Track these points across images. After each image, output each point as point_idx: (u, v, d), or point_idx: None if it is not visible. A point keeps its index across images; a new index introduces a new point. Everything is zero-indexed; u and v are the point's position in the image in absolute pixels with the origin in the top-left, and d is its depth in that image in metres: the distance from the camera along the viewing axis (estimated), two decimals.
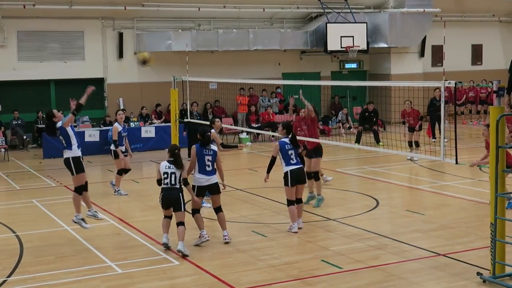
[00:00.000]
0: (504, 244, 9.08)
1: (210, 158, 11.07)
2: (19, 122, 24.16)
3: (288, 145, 11.73)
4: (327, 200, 14.10)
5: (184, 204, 10.68)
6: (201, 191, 11.14)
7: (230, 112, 27.46)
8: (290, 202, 11.74)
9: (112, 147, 15.77)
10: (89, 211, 12.02)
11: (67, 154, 11.79)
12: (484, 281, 8.98)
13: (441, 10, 29.38)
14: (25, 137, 24.12)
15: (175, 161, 10.63)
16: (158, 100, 25.40)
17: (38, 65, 24.78)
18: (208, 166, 11.03)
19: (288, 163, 11.64)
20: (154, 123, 24.77)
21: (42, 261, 10.52)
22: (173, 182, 10.61)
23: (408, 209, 13.61)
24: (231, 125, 25.30)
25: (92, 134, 22.90)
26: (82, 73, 25.33)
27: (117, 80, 25.99)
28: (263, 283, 9.23)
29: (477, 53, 33.13)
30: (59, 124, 11.80)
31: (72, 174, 11.89)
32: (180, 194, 10.66)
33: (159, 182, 10.77)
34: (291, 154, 11.68)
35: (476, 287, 8.90)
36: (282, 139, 11.95)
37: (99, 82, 25.76)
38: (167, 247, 10.66)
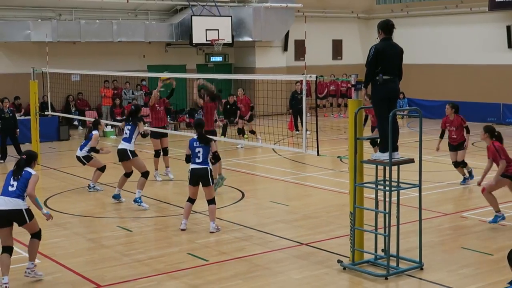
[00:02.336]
0: (362, 232, 9.47)
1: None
2: None
3: (196, 142, 11.42)
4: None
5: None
6: None
7: (94, 105, 26.86)
8: (188, 199, 11.53)
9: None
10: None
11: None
12: (344, 268, 9.33)
13: (303, 6, 30.05)
14: None
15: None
16: (16, 93, 24.40)
17: None
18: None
19: (193, 161, 11.39)
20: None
21: None
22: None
23: (272, 200, 13.87)
24: (96, 118, 24.73)
25: None
26: None
27: None
28: (128, 278, 9.14)
29: (337, 48, 34.21)
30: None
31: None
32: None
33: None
34: (198, 152, 11.37)
35: (337, 274, 9.23)
36: (193, 137, 11.69)
37: None
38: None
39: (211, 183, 11.31)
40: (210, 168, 11.34)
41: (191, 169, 11.37)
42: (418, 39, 30.09)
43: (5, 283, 8.69)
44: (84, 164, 14.97)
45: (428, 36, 30.82)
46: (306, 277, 9.15)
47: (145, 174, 13.14)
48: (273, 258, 10.01)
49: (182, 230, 11.44)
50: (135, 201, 12.91)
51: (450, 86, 29.79)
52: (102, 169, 15.02)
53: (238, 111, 21.50)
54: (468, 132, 14.71)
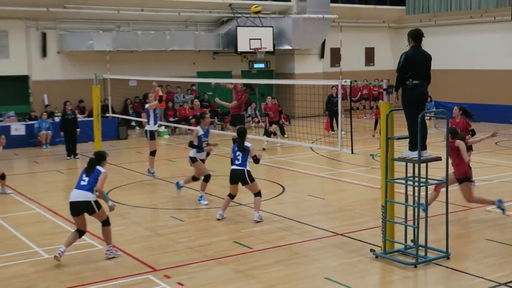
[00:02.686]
0: (393, 224, 9.41)
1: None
2: None
3: (236, 147, 11.55)
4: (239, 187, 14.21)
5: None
6: None
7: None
8: (229, 194, 11.67)
9: (149, 127, 15.52)
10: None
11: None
12: (376, 257, 9.29)
13: (338, 17, 29.92)
14: None
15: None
16: (80, 96, 24.84)
17: None
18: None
19: (233, 163, 11.54)
20: (78, 118, 24.21)
21: None
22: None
23: (310, 194, 13.84)
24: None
25: (17, 128, 22.15)
26: (6, 71, 24.48)
27: (41, 77, 25.21)
28: (181, 263, 9.23)
29: (370, 55, 33.96)
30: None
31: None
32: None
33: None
34: (238, 155, 11.45)
35: (369, 262, 9.19)
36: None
37: (23, 79, 25.11)
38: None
39: (249, 182, 11.31)
40: (247, 169, 11.35)
41: (231, 169, 11.49)
42: (445, 46, 29.67)
43: (61, 251, 9.25)
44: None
45: (454, 44, 30.40)
46: (341, 264, 9.14)
47: (206, 178, 12.90)
48: (311, 247, 10.02)
49: (218, 219, 11.54)
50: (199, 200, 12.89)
51: (474, 90, 29.33)
52: (152, 153, 15.30)
53: (267, 117, 21.48)
54: (473, 134, 13.81)
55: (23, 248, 10.20)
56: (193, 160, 12.77)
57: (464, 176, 11.08)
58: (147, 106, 15.82)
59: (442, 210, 9.49)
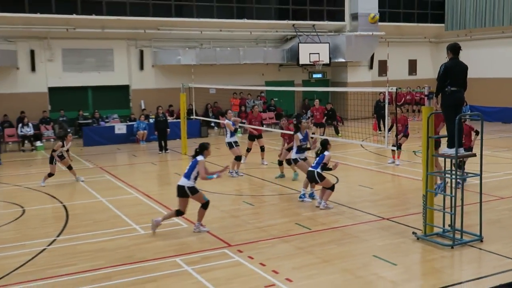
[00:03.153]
0: (432, 211, 9.21)
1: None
2: (64, 118, 24.02)
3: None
4: (299, 177, 14.21)
5: None
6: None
7: (226, 110, 27.36)
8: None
9: (229, 139, 15.12)
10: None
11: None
12: (417, 239, 9.11)
13: (385, 33, 29.44)
14: (69, 130, 23.93)
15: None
16: (170, 102, 25.34)
17: (78, 75, 24.62)
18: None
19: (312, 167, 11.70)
20: (168, 120, 24.71)
21: (83, 225, 10.55)
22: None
23: (360, 184, 13.70)
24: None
25: (120, 128, 22.82)
26: (112, 81, 25.32)
27: (139, 86, 25.88)
28: (251, 240, 9.29)
29: (412, 66, 33.23)
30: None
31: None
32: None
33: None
34: (315, 160, 11.62)
35: (411, 243, 9.01)
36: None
37: (125, 88, 25.83)
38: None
39: (319, 181, 11.29)
40: (317, 171, 11.28)
41: (308, 171, 11.62)
42: (479, 58, 28.63)
43: (157, 220, 9.68)
44: None
45: (488, 55, 29.33)
46: (387, 244, 8.98)
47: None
48: (361, 229, 9.89)
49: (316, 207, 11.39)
50: (300, 197, 12.23)
51: (505, 96, 28.32)
52: (237, 158, 14.96)
53: (313, 118, 20.87)
54: (477, 134, 12.85)
55: (124, 225, 10.47)
56: (295, 161, 12.51)
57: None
58: (225, 122, 15.46)
59: (477, 199, 9.21)
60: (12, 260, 8.60)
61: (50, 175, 14.24)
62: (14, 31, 22.87)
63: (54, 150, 14.36)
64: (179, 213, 9.68)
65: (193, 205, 9.83)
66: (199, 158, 9.58)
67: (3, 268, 8.26)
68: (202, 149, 9.69)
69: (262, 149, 16.72)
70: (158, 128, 20.04)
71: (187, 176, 9.49)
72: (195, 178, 9.54)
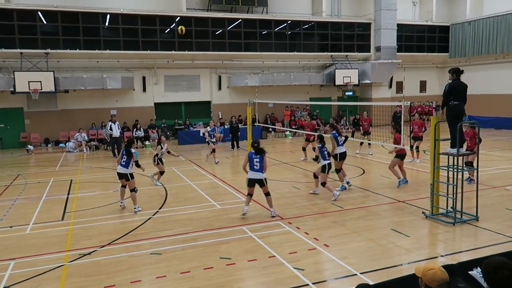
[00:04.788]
0: (438, 196, 8.87)
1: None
2: (165, 125, 24.75)
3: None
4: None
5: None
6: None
7: (280, 120, 27.41)
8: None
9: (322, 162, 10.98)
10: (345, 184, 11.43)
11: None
12: (426, 217, 8.78)
13: (402, 61, 28.56)
14: (168, 133, 24.73)
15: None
16: (240, 113, 25.57)
17: (175, 94, 25.22)
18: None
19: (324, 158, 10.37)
20: (239, 126, 24.92)
21: (177, 201, 10.78)
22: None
23: (381, 175, 13.34)
24: (281, 127, 25.35)
25: (203, 132, 23.09)
26: (198, 98, 25.77)
27: (217, 102, 26.23)
28: (298, 215, 9.23)
29: (423, 85, 31.98)
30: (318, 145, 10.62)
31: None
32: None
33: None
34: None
35: (421, 220, 8.69)
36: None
37: (207, 103, 26.22)
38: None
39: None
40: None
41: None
42: (477, 78, 27.30)
43: (245, 210, 9.02)
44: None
45: (483, 77, 27.82)
46: (402, 221, 8.70)
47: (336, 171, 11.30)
48: (382, 209, 9.62)
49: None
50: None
51: (497, 108, 26.86)
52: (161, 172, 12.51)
53: (361, 127, 18.80)
54: (480, 141, 12.31)
55: (205, 201, 10.61)
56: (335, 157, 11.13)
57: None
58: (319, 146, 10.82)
59: (474, 187, 8.76)
60: (129, 225, 8.93)
61: (162, 173, 12.74)
62: (131, 64, 23.77)
63: (156, 154, 12.79)
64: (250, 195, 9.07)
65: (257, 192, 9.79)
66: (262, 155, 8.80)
67: (122, 229, 8.60)
68: (262, 150, 8.83)
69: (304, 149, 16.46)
70: (231, 132, 20.26)
71: (261, 169, 8.82)
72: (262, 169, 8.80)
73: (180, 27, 16.84)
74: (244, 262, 6.80)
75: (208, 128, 16.84)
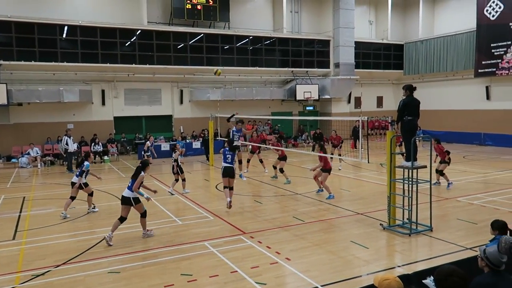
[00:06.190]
0: (395, 207, 9.11)
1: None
2: (124, 139, 24.22)
3: (226, 150, 10.97)
4: (295, 180, 14.11)
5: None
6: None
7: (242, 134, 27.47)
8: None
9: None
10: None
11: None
12: (384, 228, 9.00)
13: (360, 77, 29.46)
14: (128, 147, 24.19)
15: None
16: (202, 127, 25.42)
17: (135, 108, 24.76)
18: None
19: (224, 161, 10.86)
20: (199, 140, 24.82)
21: (137, 217, 10.39)
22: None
23: (341, 188, 13.59)
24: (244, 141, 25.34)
25: (165, 146, 22.92)
26: (160, 112, 25.39)
27: (179, 116, 25.97)
28: (259, 229, 9.23)
29: (380, 101, 33.04)
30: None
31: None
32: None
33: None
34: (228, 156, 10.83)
35: (379, 232, 8.90)
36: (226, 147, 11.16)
37: (169, 117, 25.89)
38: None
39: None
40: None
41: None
42: (429, 94, 28.60)
43: (109, 235, 8.39)
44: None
45: (435, 93, 29.16)
46: (361, 233, 8.88)
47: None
48: (342, 221, 9.80)
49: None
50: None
51: (448, 122, 28.17)
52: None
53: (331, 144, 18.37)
54: (448, 153, 13.47)
55: (166, 217, 10.45)
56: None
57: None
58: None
59: (427, 199, 9.10)
60: (85, 243, 8.60)
61: (177, 180, 13.13)
62: (90, 76, 23.18)
63: (175, 160, 12.97)
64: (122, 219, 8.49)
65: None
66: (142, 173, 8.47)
67: (79, 247, 8.27)
68: (144, 166, 8.64)
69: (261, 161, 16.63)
70: (204, 144, 20.35)
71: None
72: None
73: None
74: (206, 278, 6.71)
75: (148, 143, 17.01)
